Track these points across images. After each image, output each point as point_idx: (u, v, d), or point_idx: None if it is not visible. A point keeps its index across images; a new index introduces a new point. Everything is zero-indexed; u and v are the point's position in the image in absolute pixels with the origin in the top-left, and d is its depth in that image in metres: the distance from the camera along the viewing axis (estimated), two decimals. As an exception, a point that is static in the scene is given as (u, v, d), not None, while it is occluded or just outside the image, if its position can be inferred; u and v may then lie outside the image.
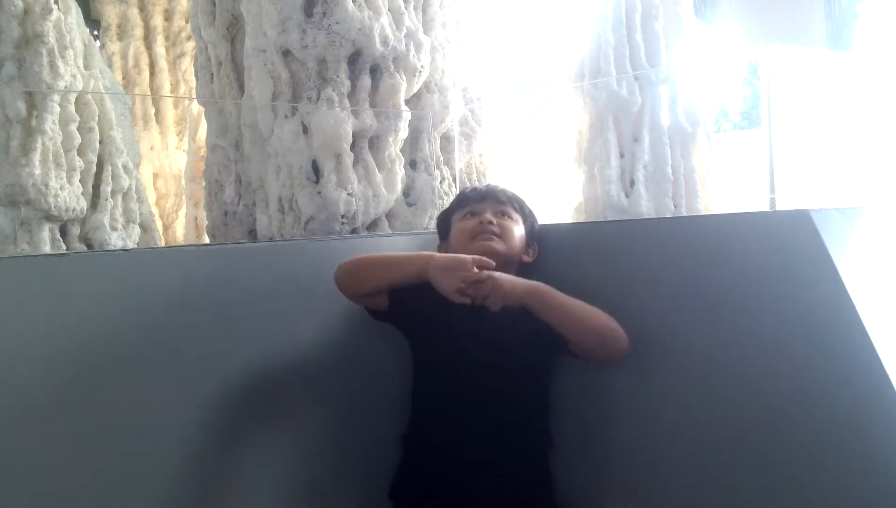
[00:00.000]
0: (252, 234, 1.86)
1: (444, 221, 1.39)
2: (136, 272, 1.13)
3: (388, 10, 1.74)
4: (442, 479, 1.17)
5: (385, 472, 1.26)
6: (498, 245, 1.27)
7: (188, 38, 2.71)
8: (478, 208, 1.32)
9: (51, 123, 1.52)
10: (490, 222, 1.28)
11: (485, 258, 1.15)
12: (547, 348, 1.21)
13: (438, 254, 1.18)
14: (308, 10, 1.66)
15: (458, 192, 1.44)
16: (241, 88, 1.84)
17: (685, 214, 2.16)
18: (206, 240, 2.04)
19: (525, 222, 1.34)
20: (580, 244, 1.38)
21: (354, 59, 1.71)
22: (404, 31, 1.75)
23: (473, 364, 1.21)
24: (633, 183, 2.18)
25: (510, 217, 1.32)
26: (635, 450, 1.21)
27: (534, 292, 1.14)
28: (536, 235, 1.36)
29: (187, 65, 2.72)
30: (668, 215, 2.11)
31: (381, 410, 1.33)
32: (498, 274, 1.13)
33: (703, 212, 2.20)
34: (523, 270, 1.30)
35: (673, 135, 2.22)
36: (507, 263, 1.26)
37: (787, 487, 1.01)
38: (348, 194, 1.67)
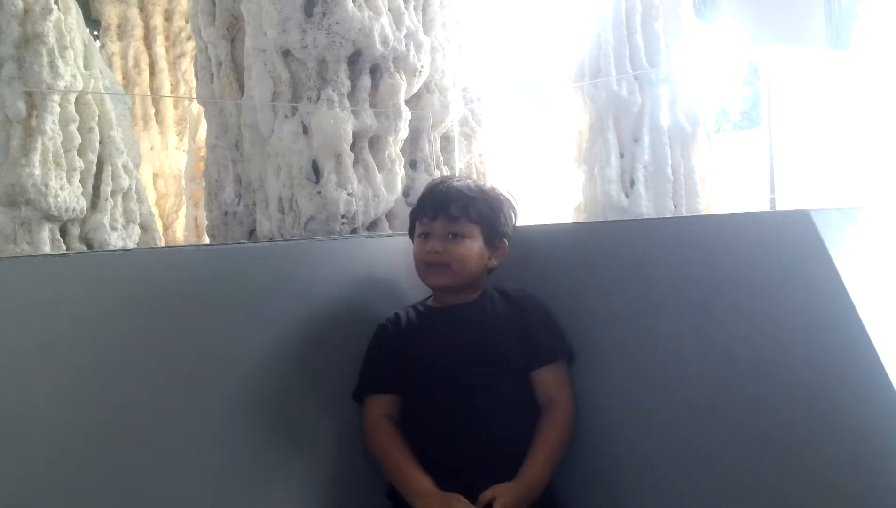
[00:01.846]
0: (252, 234, 1.86)
1: (412, 223, 1.37)
2: (136, 272, 1.13)
3: (388, 10, 1.74)
4: (439, 479, 1.17)
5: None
6: (446, 279, 1.28)
7: (188, 38, 2.70)
8: (430, 229, 1.29)
9: (51, 123, 1.52)
10: (437, 253, 1.26)
11: None
12: (529, 353, 1.26)
13: (426, 493, 1.15)
14: (308, 11, 1.66)
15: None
16: (241, 88, 1.84)
17: (685, 214, 2.15)
18: (206, 240, 2.03)
19: (483, 227, 1.29)
20: (580, 244, 1.38)
21: (354, 60, 1.71)
22: (404, 31, 1.75)
23: (460, 366, 1.23)
24: (633, 183, 2.18)
25: (462, 235, 1.27)
26: (634, 449, 1.21)
27: (535, 493, 1.15)
28: (501, 232, 1.32)
29: (187, 65, 2.71)
30: (668, 215, 2.11)
31: (381, 410, 1.32)
32: None
33: (703, 212, 2.20)
34: (499, 272, 1.34)
35: (673, 135, 2.22)
36: (468, 282, 1.30)
37: (788, 487, 1.01)
38: (348, 194, 1.67)
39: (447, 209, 1.27)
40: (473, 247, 1.28)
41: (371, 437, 1.26)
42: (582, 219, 2.24)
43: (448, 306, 1.32)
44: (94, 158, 1.63)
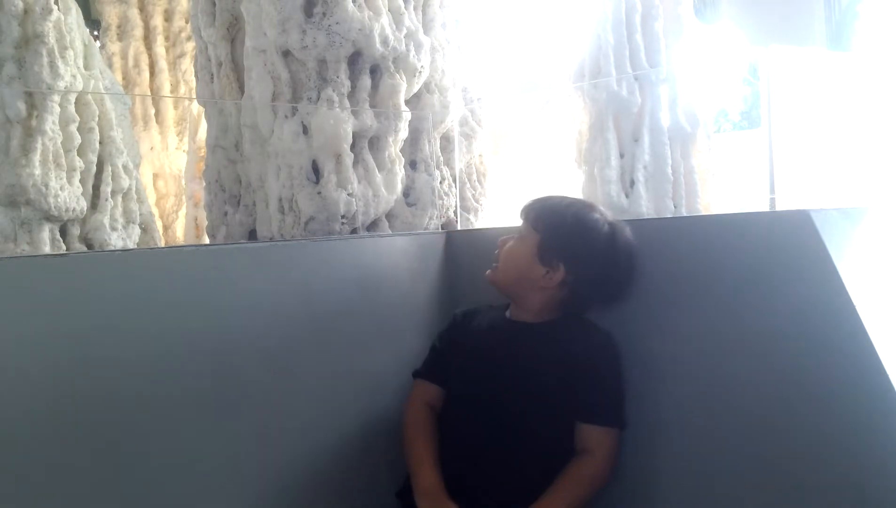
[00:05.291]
0: (252, 234, 1.86)
1: None
2: (136, 272, 1.13)
3: (388, 10, 1.74)
4: (451, 480, 1.16)
5: (393, 471, 1.26)
6: (491, 275, 1.27)
7: (188, 39, 2.71)
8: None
9: (51, 124, 1.52)
10: (498, 249, 1.27)
11: None
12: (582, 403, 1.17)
13: (429, 493, 1.15)
14: (308, 11, 1.66)
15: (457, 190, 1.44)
16: (241, 88, 1.84)
17: (685, 214, 2.16)
18: (206, 240, 2.04)
19: (542, 238, 1.21)
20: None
21: (354, 60, 1.71)
22: (404, 31, 1.75)
23: (497, 385, 1.19)
24: (633, 183, 2.18)
25: (522, 236, 1.24)
26: (636, 449, 1.21)
27: None
28: (559, 253, 1.19)
29: (187, 65, 2.72)
30: (668, 215, 2.11)
31: (386, 408, 1.33)
32: None
33: (703, 212, 2.20)
34: (563, 295, 1.21)
35: (673, 135, 2.22)
36: (508, 286, 1.25)
37: (787, 487, 1.01)
38: (348, 195, 1.67)
39: (527, 210, 1.27)
40: (521, 250, 1.22)
41: (406, 418, 1.28)
42: (582, 219, 2.24)
43: (515, 321, 1.26)
44: (94, 159, 1.63)
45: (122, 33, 2.68)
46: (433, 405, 1.27)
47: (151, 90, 2.70)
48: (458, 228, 2.01)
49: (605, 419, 1.16)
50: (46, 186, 1.50)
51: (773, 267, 1.05)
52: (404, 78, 1.77)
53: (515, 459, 1.16)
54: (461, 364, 1.26)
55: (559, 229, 1.20)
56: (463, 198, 2.14)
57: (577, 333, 1.20)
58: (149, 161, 2.61)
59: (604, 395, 1.17)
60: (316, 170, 1.68)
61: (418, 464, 1.19)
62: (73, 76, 1.59)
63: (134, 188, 1.73)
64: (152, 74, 2.71)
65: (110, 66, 2.58)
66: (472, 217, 2.16)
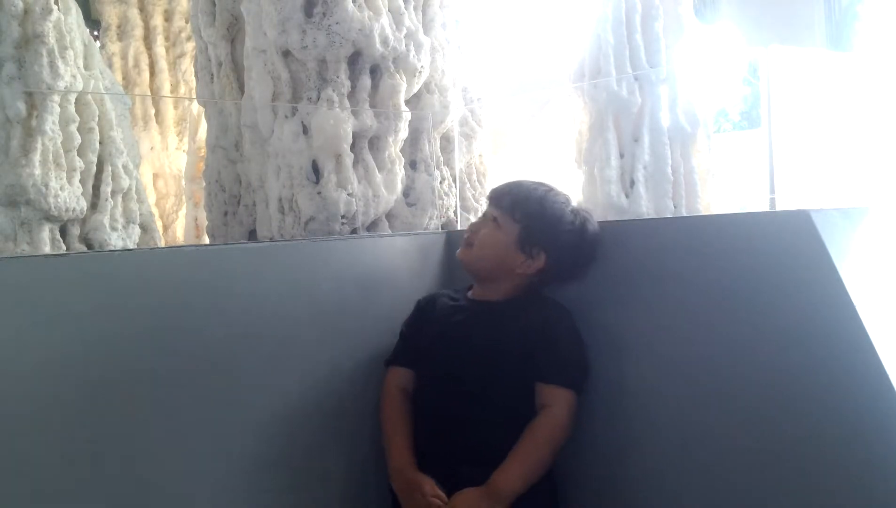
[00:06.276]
0: (252, 234, 1.86)
1: None
2: (136, 272, 1.13)
3: (388, 10, 1.74)
4: (441, 472, 1.18)
5: (385, 463, 1.27)
6: (464, 255, 1.31)
7: (188, 39, 2.71)
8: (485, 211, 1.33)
9: (51, 124, 1.52)
10: (471, 231, 1.30)
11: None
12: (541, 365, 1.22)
13: (399, 470, 1.22)
14: (308, 11, 1.66)
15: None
16: (241, 88, 1.84)
17: (685, 214, 2.16)
18: (206, 240, 2.04)
19: (521, 227, 1.25)
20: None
21: (354, 60, 1.71)
22: (404, 31, 1.75)
23: (461, 361, 1.24)
24: (633, 183, 2.18)
25: (496, 221, 1.27)
26: (635, 448, 1.21)
27: (503, 500, 1.13)
28: (537, 242, 1.25)
29: (187, 65, 2.72)
30: (668, 215, 2.11)
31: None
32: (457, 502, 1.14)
33: (703, 212, 2.20)
34: (535, 278, 1.27)
35: (673, 135, 2.22)
36: (484, 271, 1.29)
37: (787, 487, 1.01)
38: (348, 195, 1.67)
39: (499, 197, 1.29)
40: (500, 238, 1.26)
41: (381, 405, 1.32)
42: (582, 219, 2.24)
43: (477, 300, 1.32)
44: (94, 159, 1.63)
45: (122, 33, 2.68)
46: (405, 388, 1.32)
47: (151, 90, 2.70)
48: (458, 228, 2.01)
49: (561, 379, 1.21)
50: (46, 186, 1.50)
51: (773, 267, 1.05)
52: (404, 78, 1.77)
53: (484, 428, 1.21)
54: (429, 346, 1.30)
55: (540, 220, 1.26)
56: (463, 198, 2.14)
57: (536, 306, 1.27)
58: (149, 161, 2.61)
59: (560, 357, 1.22)
60: (316, 170, 1.68)
61: (392, 445, 1.26)
62: (73, 76, 1.59)
63: (134, 188, 1.73)
64: (152, 74, 2.72)
65: (110, 66, 2.58)
66: (472, 217, 2.16)
